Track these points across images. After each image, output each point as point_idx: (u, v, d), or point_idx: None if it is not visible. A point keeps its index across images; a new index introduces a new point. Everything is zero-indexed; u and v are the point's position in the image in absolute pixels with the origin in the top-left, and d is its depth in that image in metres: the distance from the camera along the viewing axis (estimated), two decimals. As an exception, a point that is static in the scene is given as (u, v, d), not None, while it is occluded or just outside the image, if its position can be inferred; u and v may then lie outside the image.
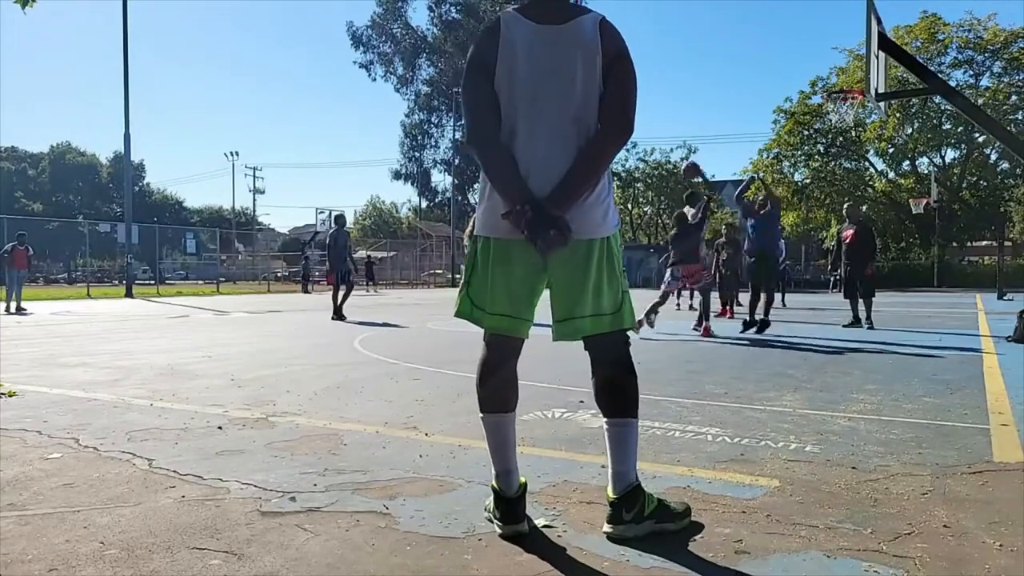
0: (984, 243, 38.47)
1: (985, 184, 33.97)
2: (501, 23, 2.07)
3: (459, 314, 2.18)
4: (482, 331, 2.20)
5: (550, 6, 2.07)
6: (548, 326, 2.13)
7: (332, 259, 12.05)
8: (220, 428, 3.54)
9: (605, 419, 2.14)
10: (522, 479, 2.16)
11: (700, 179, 8.89)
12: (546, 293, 2.14)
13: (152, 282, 30.34)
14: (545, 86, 2.02)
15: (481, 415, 2.19)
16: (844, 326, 9.59)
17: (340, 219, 12.58)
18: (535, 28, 2.04)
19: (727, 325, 9.95)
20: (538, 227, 1.93)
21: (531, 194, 1.99)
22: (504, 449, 2.15)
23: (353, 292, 11.83)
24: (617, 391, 2.13)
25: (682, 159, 39.05)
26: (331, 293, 12.04)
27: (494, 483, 2.14)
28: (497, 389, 2.17)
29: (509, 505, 2.10)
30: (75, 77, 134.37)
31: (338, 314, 11.41)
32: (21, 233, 15.99)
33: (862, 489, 2.54)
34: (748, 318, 8.61)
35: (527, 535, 2.09)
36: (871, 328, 9.19)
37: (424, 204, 56.54)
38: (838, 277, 10.21)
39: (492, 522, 2.15)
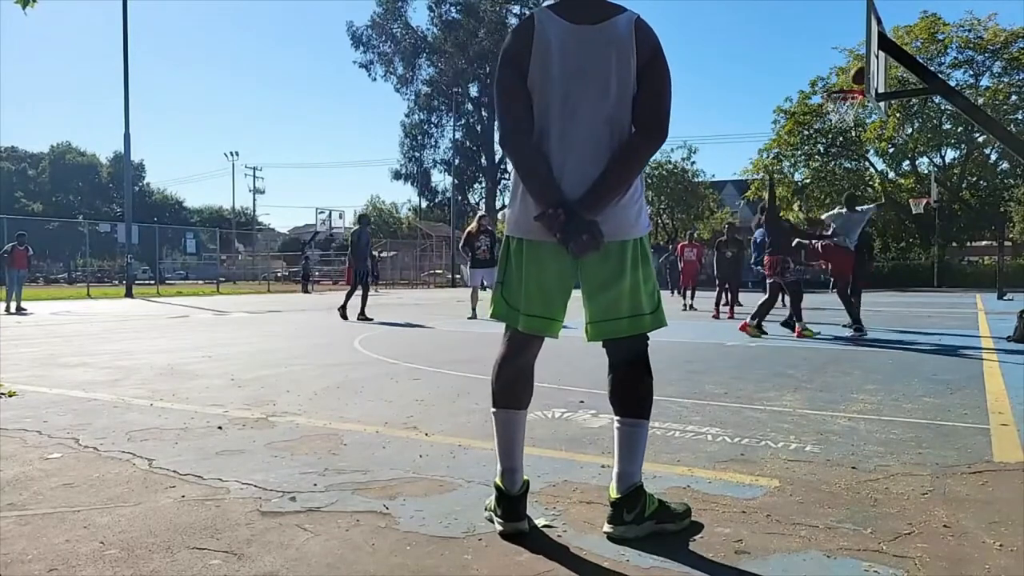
0: (984, 243, 38.46)
1: (985, 184, 33.96)
2: (535, 21, 2.04)
3: (494, 315, 2.18)
4: (501, 330, 2.21)
5: (585, 5, 2.05)
6: (568, 328, 2.14)
7: (354, 257, 11.81)
8: (220, 428, 3.54)
9: (616, 418, 2.13)
10: (524, 478, 2.16)
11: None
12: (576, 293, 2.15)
13: (152, 282, 30.32)
14: (578, 86, 2.01)
15: (493, 410, 2.19)
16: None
17: (364, 218, 12.45)
18: (569, 27, 2.02)
19: (718, 325, 9.94)
20: (570, 231, 1.93)
21: (564, 196, 1.98)
22: (511, 447, 2.15)
23: (357, 291, 11.72)
24: (632, 391, 2.12)
25: (683, 159, 39.06)
26: (345, 292, 11.91)
27: (497, 480, 2.14)
28: (512, 385, 2.17)
29: (511, 503, 2.10)
30: (75, 77, 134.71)
31: (363, 314, 11.35)
32: (21, 233, 15.97)
33: (862, 489, 2.54)
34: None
35: (527, 534, 2.09)
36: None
37: (424, 204, 56.53)
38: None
39: (492, 521, 2.15)
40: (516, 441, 2.16)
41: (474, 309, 11.50)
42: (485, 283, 10.98)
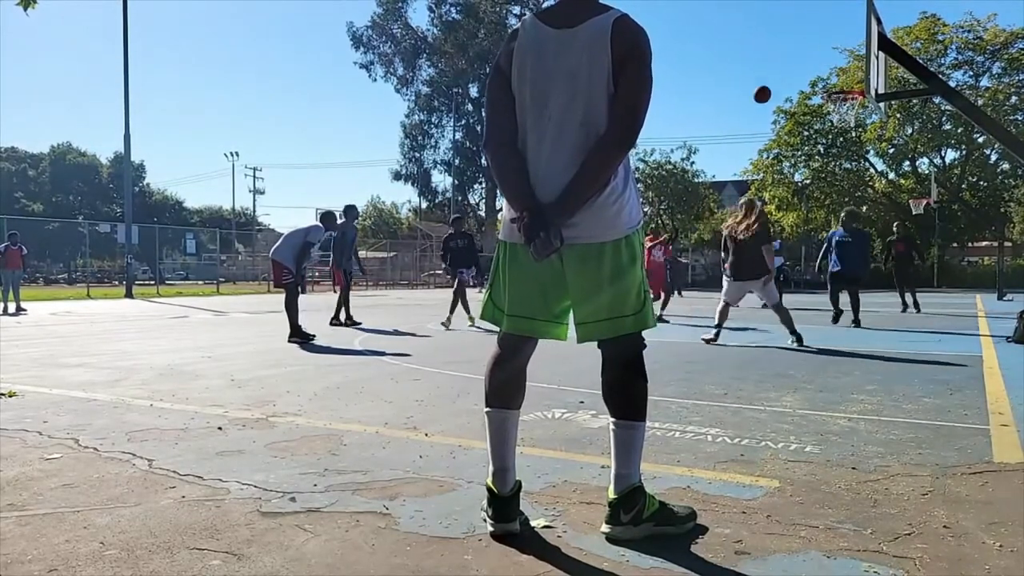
0: (984, 243, 38.46)
1: (985, 184, 33.93)
2: (520, 30, 2.10)
3: (483, 317, 2.25)
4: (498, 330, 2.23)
5: (570, 9, 2.06)
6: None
7: (338, 255, 10.45)
8: (220, 428, 3.54)
9: (612, 419, 2.13)
10: (517, 479, 2.17)
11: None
12: None
13: (152, 282, 30.30)
14: (553, 91, 2.02)
15: (486, 409, 2.19)
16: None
17: (351, 210, 10.69)
18: (550, 32, 2.05)
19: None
20: (532, 233, 1.94)
21: (532, 200, 1.99)
22: (503, 446, 2.15)
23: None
24: (625, 393, 2.11)
25: (682, 159, 39.08)
26: (339, 295, 10.52)
27: (489, 481, 2.14)
28: (504, 385, 2.18)
29: (502, 504, 2.10)
30: (75, 77, 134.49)
31: (349, 319, 10.25)
32: (12, 233, 15.93)
33: (862, 489, 2.54)
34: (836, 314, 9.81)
35: (518, 535, 2.09)
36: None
37: (424, 205, 56.50)
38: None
39: (485, 521, 2.15)
40: (508, 441, 2.16)
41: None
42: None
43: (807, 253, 37.42)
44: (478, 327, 9.30)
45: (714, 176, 42.79)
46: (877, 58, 7.87)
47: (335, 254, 10.72)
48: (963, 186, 34.29)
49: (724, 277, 7.78)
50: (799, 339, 7.25)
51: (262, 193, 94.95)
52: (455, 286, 10.03)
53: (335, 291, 10.98)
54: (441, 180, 53.33)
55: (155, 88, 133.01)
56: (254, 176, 61.92)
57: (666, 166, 38.60)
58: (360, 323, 10.20)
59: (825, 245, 10.55)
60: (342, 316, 10.42)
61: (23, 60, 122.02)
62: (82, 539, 2.08)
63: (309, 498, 2.44)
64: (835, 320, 9.83)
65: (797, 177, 35.97)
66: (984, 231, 35.59)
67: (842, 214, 11.21)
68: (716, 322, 7.61)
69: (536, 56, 2.04)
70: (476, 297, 11.39)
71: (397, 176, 53.05)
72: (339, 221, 10.04)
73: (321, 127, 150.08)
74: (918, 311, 13.02)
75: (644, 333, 2.14)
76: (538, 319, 2.13)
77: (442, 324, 9.67)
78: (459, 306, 9.88)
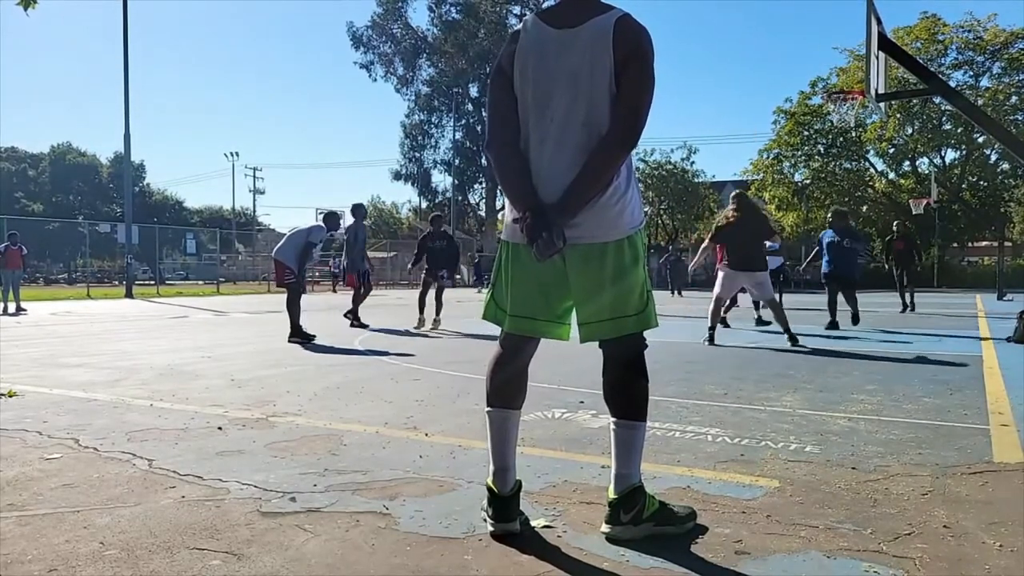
0: (984, 243, 38.47)
1: (985, 184, 33.97)
2: (522, 30, 2.10)
3: (485, 317, 2.24)
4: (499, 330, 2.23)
5: (571, 9, 2.06)
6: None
7: (353, 257, 10.37)
8: (220, 428, 3.54)
9: (612, 419, 2.13)
10: (517, 478, 2.17)
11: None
12: None
13: (152, 282, 30.31)
14: (555, 91, 2.02)
15: (487, 409, 2.19)
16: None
17: (359, 209, 10.51)
18: (551, 32, 2.05)
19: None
20: (535, 233, 1.94)
21: (534, 200, 1.99)
22: (504, 446, 2.15)
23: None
24: (626, 393, 2.11)
25: (682, 159, 39.08)
26: (361, 295, 10.47)
27: (489, 481, 2.14)
28: (505, 385, 2.18)
29: (502, 503, 2.10)
30: (75, 77, 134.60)
31: (356, 320, 10.17)
32: (12, 233, 15.94)
33: (862, 489, 2.54)
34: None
35: (518, 535, 2.09)
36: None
37: (424, 204, 56.44)
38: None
39: (486, 520, 2.15)
40: (509, 440, 2.16)
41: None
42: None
43: (807, 253, 37.37)
44: (425, 334, 9.08)
45: (714, 176, 42.79)
46: (877, 58, 7.87)
47: (349, 256, 10.52)
48: (963, 186, 34.31)
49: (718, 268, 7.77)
50: (793, 339, 7.23)
51: (262, 193, 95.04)
52: (422, 284, 9.86)
53: (334, 291, 10.90)
54: (441, 180, 53.27)
55: (155, 88, 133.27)
56: (254, 176, 61.99)
57: (666, 166, 38.59)
58: (368, 325, 10.15)
59: (816, 247, 10.47)
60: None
61: (23, 60, 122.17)
62: (82, 539, 2.08)
63: (309, 498, 2.44)
64: (828, 327, 9.55)
65: (797, 177, 36.00)
66: (984, 231, 35.60)
67: (829, 215, 11.24)
68: (709, 324, 7.57)
69: (538, 57, 2.04)
70: (477, 298, 11.43)
71: (397, 176, 53.02)
72: (347, 221, 9.89)
73: (321, 127, 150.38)
74: (913, 310, 13.23)
75: (645, 333, 2.14)
76: (540, 319, 2.13)
77: (433, 328, 9.51)
78: (438, 304, 9.79)
